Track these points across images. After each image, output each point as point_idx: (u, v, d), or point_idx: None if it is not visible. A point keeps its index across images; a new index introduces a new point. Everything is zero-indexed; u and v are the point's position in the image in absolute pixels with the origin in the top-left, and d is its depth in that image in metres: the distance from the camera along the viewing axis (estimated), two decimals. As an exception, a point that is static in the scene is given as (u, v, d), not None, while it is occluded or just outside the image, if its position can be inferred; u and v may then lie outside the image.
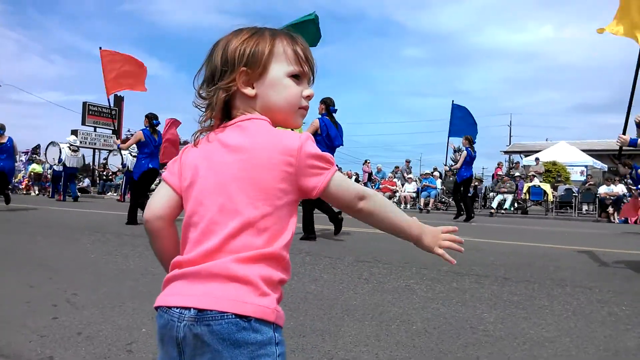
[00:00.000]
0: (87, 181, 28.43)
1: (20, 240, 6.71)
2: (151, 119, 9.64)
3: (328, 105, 7.88)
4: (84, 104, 32.62)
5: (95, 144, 33.38)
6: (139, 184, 9.69)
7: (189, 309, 1.06)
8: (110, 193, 26.13)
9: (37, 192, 25.51)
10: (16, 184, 25.96)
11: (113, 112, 35.21)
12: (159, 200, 1.24)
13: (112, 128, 33.25)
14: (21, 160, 27.09)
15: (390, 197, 22.01)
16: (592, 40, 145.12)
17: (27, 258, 5.21)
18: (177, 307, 1.07)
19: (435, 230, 1.40)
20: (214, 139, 1.19)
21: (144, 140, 9.52)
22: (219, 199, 1.13)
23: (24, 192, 25.91)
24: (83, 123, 32.46)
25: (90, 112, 32.72)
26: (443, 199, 21.72)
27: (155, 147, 9.68)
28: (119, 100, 33.55)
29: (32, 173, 25.99)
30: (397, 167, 24.70)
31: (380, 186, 22.46)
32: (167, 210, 1.23)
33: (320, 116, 7.81)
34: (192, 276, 1.10)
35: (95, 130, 33.27)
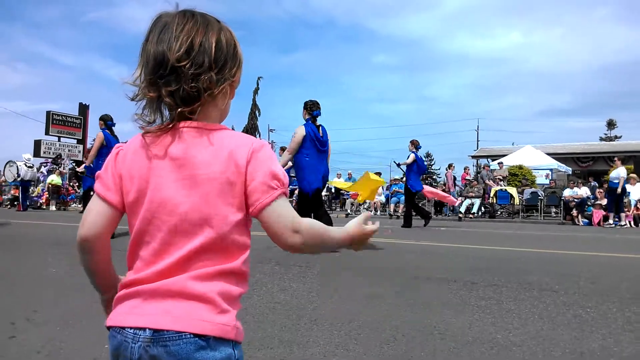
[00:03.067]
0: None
1: (-21, 255, 6.48)
2: (106, 121, 9.36)
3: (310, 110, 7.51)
4: (48, 113, 31.84)
5: (60, 155, 32.65)
6: None
7: (144, 329, 1.02)
8: (74, 205, 25.54)
9: (55, 206, 22.76)
10: (36, 198, 23.61)
11: (77, 121, 34.55)
12: (98, 218, 1.13)
13: (77, 138, 32.74)
14: (42, 172, 24.73)
15: (360, 204, 22.10)
16: (558, 46, 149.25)
17: (-14, 274, 5.03)
18: (131, 328, 1.03)
19: (354, 223, 1.23)
20: (163, 146, 1.08)
21: (106, 143, 9.21)
22: (173, 217, 1.07)
23: (44, 207, 23.21)
24: (47, 133, 31.65)
25: (55, 122, 31.94)
26: (413, 205, 21.89)
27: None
28: (84, 109, 32.92)
29: (50, 185, 23.45)
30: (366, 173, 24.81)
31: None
32: (107, 229, 1.14)
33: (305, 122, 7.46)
34: (147, 294, 1.05)
35: (59, 140, 32.50)
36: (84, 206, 9.92)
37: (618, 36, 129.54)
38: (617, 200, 15.96)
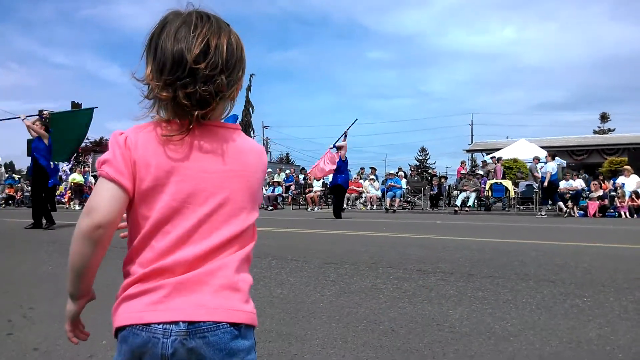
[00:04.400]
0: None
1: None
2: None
3: None
4: (40, 111, 31.68)
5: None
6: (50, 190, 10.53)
7: (176, 323, 1.01)
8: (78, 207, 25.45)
9: (78, 206, 21.85)
10: (58, 197, 22.53)
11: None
12: (114, 203, 1.06)
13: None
14: (64, 171, 23.91)
15: (356, 198, 22.14)
16: (552, 40, 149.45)
17: (-19, 272, 5.01)
18: (159, 323, 1.01)
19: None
20: (191, 141, 1.08)
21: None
22: (204, 208, 1.07)
23: (66, 207, 22.54)
24: (40, 131, 31.53)
25: (42, 118, 31.83)
26: (409, 199, 21.93)
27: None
28: (76, 107, 32.79)
29: (72, 184, 23.06)
30: (362, 169, 24.82)
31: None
32: (121, 216, 1.08)
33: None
34: (172, 287, 1.03)
35: (53, 139, 32.39)
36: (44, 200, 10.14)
37: (612, 31, 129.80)
38: (551, 193, 17.01)
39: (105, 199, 1.05)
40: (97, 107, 11.08)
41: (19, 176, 31.06)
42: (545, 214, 16.63)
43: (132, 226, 1.10)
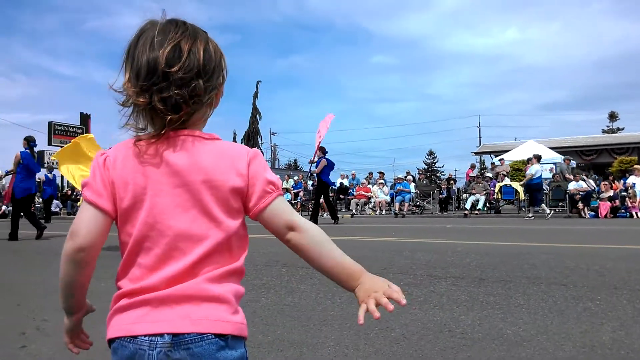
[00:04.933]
0: (56, 203, 27.78)
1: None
2: (29, 141, 10.44)
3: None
4: (50, 123, 31.98)
5: (63, 164, 32.70)
6: (22, 203, 10.69)
7: (161, 335, 1.02)
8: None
9: None
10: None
11: (79, 131, 34.74)
12: (92, 226, 1.10)
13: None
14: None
15: (365, 203, 22.10)
16: (555, 40, 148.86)
17: (-6, 285, 5.05)
18: (145, 335, 1.02)
19: (374, 280, 1.21)
20: (160, 154, 1.09)
21: (22, 161, 10.24)
22: (178, 223, 1.08)
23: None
24: (49, 143, 31.77)
25: (57, 132, 32.10)
26: (418, 203, 21.87)
27: (33, 169, 10.50)
28: (85, 119, 33.07)
29: None
30: (370, 174, 24.81)
31: (355, 192, 22.52)
32: (102, 238, 1.12)
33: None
34: (157, 302, 1.05)
35: (63, 150, 32.62)
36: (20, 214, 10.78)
37: (616, 28, 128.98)
38: (535, 195, 17.18)
39: (85, 222, 1.10)
40: None
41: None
42: (532, 216, 16.69)
43: (121, 243, 1.12)
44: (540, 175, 17.26)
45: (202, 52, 1.10)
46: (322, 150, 14.73)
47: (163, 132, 1.08)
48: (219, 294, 1.07)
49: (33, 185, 10.70)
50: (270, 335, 3.04)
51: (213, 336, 1.03)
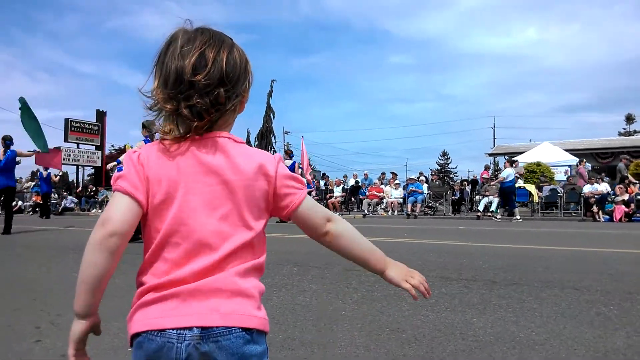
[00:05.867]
0: (70, 199, 28.13)
1: (3, 262, 6.60)
2: (5, 140, 10.90)
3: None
4: (66, 120, 32.28)
5: (78, 160, 33.02)
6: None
7: (190, 328, 1.04)
8: (95, 210, 25.88)
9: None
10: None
11: (95, 128, 34.99)
12: (128, 214, 1.10)
13: (96, 144, 33.14)
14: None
15: (377, 204, 22.06)
16: (574, 41, 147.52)
17: (9, 280, 5.13)
18: (173, 329, 1.04)
19: (401, 265, 1.39)
20: (193, 153, 1.13)
21: None
22: (209, 220, 1.11)
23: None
24: (66, 140, 32.09)
25: (73, 129, 32.37)
26: (430, 204, 21.79)
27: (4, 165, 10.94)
28: (101, 116, 33.33)
29: None
30: (383, 174, 24.75)
31: (367, 192, 22.48)
32: (133, 228, 1.12)
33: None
34: (186, 295, 1.07)
35: (78, 147, 32.92)
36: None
37: (636, 31, 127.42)
38: (508, 198, 17.49)
39: (119, 210, 1.10)
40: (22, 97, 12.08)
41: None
42: (520, 218, 16.73)
43: (146, 239, 1.14)
44: (513, 179, 17.73)
45: (225, 60, 1.13)
46: (289, 153, 15.43)
47: (189, 135, 1.12)
48: (245, 289, 1.11)
49: (10, 181, 11.08)
50: (281, 334, 3.05)
51: (240, 330, 1.06)
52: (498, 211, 17.91)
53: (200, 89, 1.09)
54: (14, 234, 10.75)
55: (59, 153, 17.59)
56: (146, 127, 10.02)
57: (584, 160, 22.87)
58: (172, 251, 1.10)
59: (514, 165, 18.33)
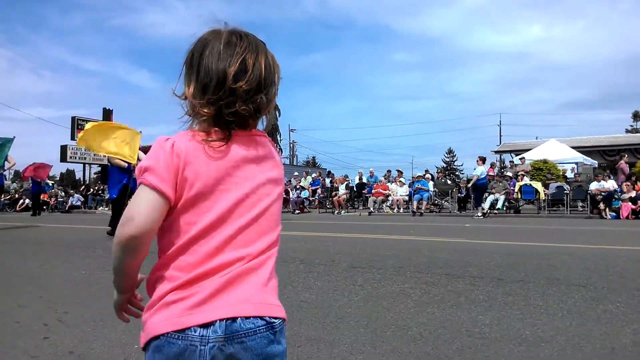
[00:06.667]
0: (77, 197, 28.24)
1: (9, 259, 6.64)
2: None
3: None
4: (73, 118, 32.42)
5: (85, 158, 33.15)
6: None
7: (213, 324, 1.02)
8: (101, 208, 25.99)
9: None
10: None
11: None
12: (153, 212, 1.07)
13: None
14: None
15: (383, 201, 22.04)
16: (580, 38, 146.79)
17: (17, 277, 5.16)
18: (197, 327, 1.01)
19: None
20: (236, 151, 1.12)
21: None
22: (246, 215, 1.12)
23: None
24: (72, 138, 32.20)
25: (79, 127, 32.41)
26: (436, 201, 21.74)
27: None
28: (107, 113, 33.41)
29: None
30: (388, 171, 24.70)
31: (373, 190, 22.45)
32: (159, 225, 1.09)
33: None
34: (219, 287, 1.05)
35: (85, 145, 32.98)
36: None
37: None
38: (479, 195, 18.08)
39: (144, 208, 1.06)
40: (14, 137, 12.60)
41: (53, 182, 31.80)
42: (481, 215, 17.16)
43: (173, 231, 1.10)
44: (486, 176, 18.34)
45: (263, 66, 1.14)
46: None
47: (229, 134, 1.12)
48: (273, 282, 1.14)
49: None
50: (287, 332, 3.05)
51: (264, 329, 1.06)
52: (477, 209, 18.07)
53: (241, 95, 1.09)
54: (18, 231, 10.82)
55: (48, 168, 21.29)
56: None
57: (626, 155, 22.73)
58: (205, 244, 1.08)
59: (485, 163, 19.01)
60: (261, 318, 1.05)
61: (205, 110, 1.10)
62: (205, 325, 1.01)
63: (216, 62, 1.10)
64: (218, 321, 1.02)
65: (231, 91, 1.09)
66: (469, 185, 19.04)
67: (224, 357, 1.01)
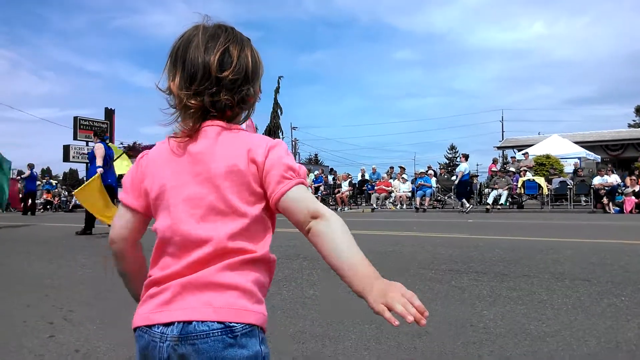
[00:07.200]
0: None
1: (14, 259, 6.66)
2: None
3: None
4: (75, 118, 32.40)
5: (87, 158, 33.15)
6: None
7: (173, 324, 1.02)
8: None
9: None
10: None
11: (104, 126, 35.13)
12: (119, 221, 1.21)
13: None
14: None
15: (385, 198, 22.03)
16: (583, 34, 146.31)
17: (22, 276, 5.18)
18: (159, 326, 1.04)
19: (389, 287, 1.09)
20: (186, 146, 1.12)
21: None
22: (197, 211, 1.09)
23: None
24: (75, 138, 32.19)
25: (82, 127, 32.46)
26: (439, 197, 21.73)
27: None
28: (110, 114, 33.44)
29: None
30: (391, 168, 24.69)
31: (376, 187, 22.45)
32: (132, 233, 1.21)
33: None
34: (181, 288, 1.05)
35: (87, 145, 32.98)
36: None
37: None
38: (463, 191, 18.83)
39: (116, 217, 1.22)
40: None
41: (56, 181, 31.88)
42: (465, 210, 17.54)
43: (157, 234, 1.15)
44: (469, 173, 19.12)
45: (249, 58, 1.16)
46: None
47: (197, 126, 1.12)
48: (240, 282, 1.06)
49: None
50: (291, 328, 3.07)
51: (220, 332, 1.01)
52: (467, 204, 18.34)
53: (227, 85, 1.11)
54: (21, 230, 10.85)
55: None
56: (97, 134, 11.10)
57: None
58: (170, 245, 1.10)
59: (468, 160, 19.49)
60: (219, 322, 1.02)
61: (193, 102, 1.10)
62: (167, 324, 1.03)
63: (202, 54, 1.11)
64: (176, 322, 1.03)
65: (217, 80, 1.10)
66: (456, 182, 19.39)
67: (177, 357, 1.02)
